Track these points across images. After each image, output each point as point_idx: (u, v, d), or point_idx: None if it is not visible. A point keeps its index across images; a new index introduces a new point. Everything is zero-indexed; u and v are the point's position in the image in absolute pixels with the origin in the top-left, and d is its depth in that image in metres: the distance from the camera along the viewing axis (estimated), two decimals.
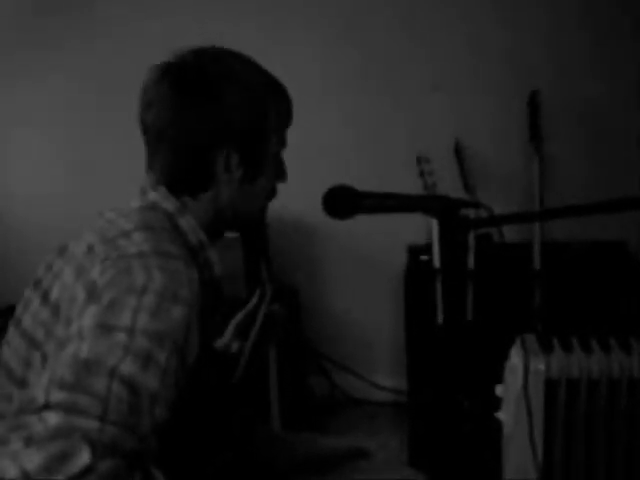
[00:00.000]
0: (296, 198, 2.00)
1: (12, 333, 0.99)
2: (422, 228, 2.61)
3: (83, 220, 1.06)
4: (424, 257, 2.51)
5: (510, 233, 2.44)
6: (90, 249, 0.94)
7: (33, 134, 2.91)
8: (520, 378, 1.50)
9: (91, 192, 2.77)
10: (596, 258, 2.50)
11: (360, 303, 2.86)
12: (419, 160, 2.51)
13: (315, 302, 2.86)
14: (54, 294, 0.94)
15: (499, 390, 1.74)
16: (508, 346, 1.73)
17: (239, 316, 1.33)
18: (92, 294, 0.86)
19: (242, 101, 1.03)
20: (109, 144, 2.79)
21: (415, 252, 2.57)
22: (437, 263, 2.41)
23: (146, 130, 1.06)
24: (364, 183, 1.12)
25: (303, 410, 2.67)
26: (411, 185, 2.49)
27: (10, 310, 1.03)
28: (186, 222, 1.04)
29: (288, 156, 1.15)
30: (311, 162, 2.51)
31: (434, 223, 2.40)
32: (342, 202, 1.08)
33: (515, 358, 1.68)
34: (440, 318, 2.32)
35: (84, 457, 0.72)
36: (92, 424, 0.75)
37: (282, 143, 1.12)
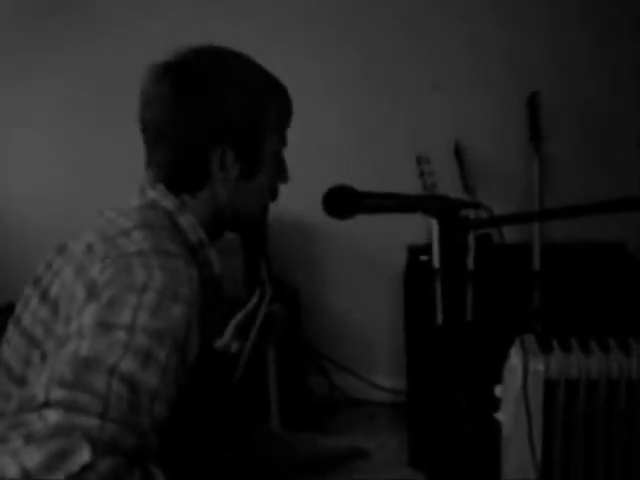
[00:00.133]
0: (296, 198, 1.99)
1: (11, 332, 0.99)
2: (422, 228, 2.61)
3: (83, 220, 1.06)
4: (424, 257, 2.51)
5: (510, 234, 2.42)
6: (90, 248, 0.94)
7: (33, 134, 2.91)
8: (519, 378, 1.50)
9: (91, 192, 2.77)
10: (595, 259, 2.50)
11: (360, 303, 2.86)
12: (419, 160, 2.51)
13: (315, 302, 2.86)
14: (54, 292, 0.94)
15: (498, 390, 1.74)
16: (507, 346, 1.73)
17: (239, 316, 1.33)
18: (92, 292, 0.87)
19: (239, 100, 1.04)
20: (109, 144, 2.80)
21: (415, 252, 2.57)
22: (437, 263, 2.41)
23: (145, 128, 1.06)
24: (364, 183, 1.12)
25: (302, 410, 2.67)
26: (411, 185, 2.49)
27: (10, 308, 1.03)
28: (186, 220, 1.04)
29: (288, 156, 1.15)
30: (311, 162, 2.51)
31: (434, 223, 2.40)
32: (342, 202, 1.08)
33: (514, 358, 1.68)
34: (439, 318, 2.32)
35: (84, 455, 0.72)
36: (92, 422, 0.75)
37: (282, 142, 1.12)
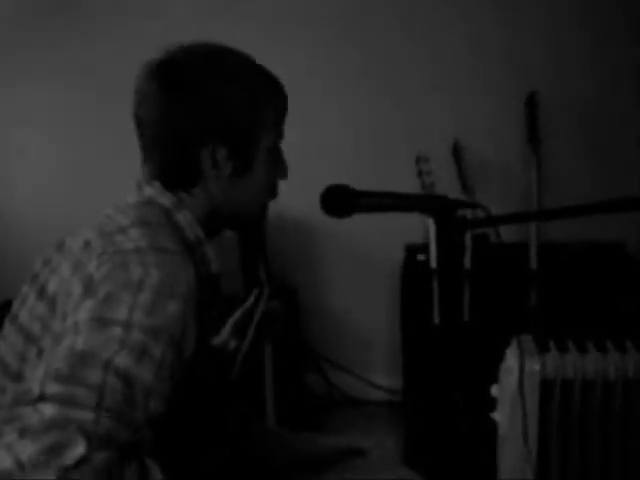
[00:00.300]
0: (295, 197, 2.00)
1: (8, 328, 0.99)
2: (419, 227, 2.61)
3: (82, 219, 1.06)
4: (421, 257, 2.51)
5: (507, 233, 2.44)
6: (87, 244, 0.95)
7: (33, 134, 2.91)
8: (516, 378, 1.51)
9: (91, 192, 2.76)
10: (594, 259, 2.50)
11: (357, 302, 2.87)
12: (418, 160, 2.52)
13: (313, 301, 2.86)
14: (51, 289, 0.95)
15: (495, 390, 1.74)
16: (504, 346, 1.73)
17: (237, 314, 1.34)
18: (88, 288, 0.87)
19: (229, 96, 1.04)
20: (109, 144, 2.79)
21: (412, 251, 2.57)
22: (434, 263, 2.41)
23: (139, 125, 1.07)
24: (363, 182, 1.12)
25: (300, 408, 2.67)
26: (409, 185, 2.50)
27: (7, 306, 1.04)
28: (183, 217, 1.04)
29: (288, 156, 1.15)
30: (311, 162, 2.52)
31: (431, 223, 2.40)
32: (340, 201, 1.08)
33: (511, 358, 1.68)
34: (436, 318, 2.32)
35: (79, 448, 0.73)
36: (87, 416, 0.75)
37: (279, 137, 1.11)
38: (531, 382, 1.61)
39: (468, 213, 1.07)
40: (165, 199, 1.04)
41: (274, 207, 1.18)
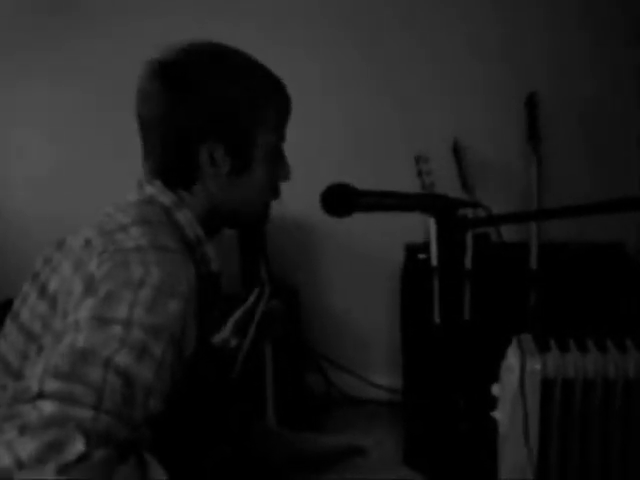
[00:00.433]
0: (295, 197, 1.99)
1: (9, 327, 0.99)
2: (420, 227, 2.62)
3: (82, 219, 1.07)
4: (422, 256, 2.51)
5: (508, 233, 2.44)
6: (88, 242, 0.95)
7: (33, 134, 2.92)
8: (516, 377, 1.51)
9: (91, 192, 2.76)
10: (594, 259, 2.50)
11: (357, 301, 2.87)
12: (418, 159, 2.52)
13: (313, 300, 2.87)
14: (52, 287, 0.95)
15: (495, 389, 1.74)
16: (505, 346, 1.73)
17: (237, 313, 1.34)
18: (89, 287, 0.87)
19: (229, 95, 1.04)
20: (109, 144, 2.80)
21: (413, 251, 2.57)
22: (434, 262, 2.41)
23: (141, 124, 1.07)
24: (363, 182, 1.12)
25: (300, 407, 2.67)
26: (409, 184, 2.50)
27: (8, 305, 1.04)
28: (183, 216, 1.05)
29: (288, 155, 1.15)
30: (311, 161, 2.51)
31: (432, 222, 2.40)
32: (340, 200, 1.08)
33: (511, 358, 1.68)
34: (437, 317, 2.32)
35: (78, 446, 0.73)
36: (86, 413, 0.75)
37: (281, 139, 1.12)
38: (532, 381, 1.61)
39: (469, 212, 1.07)
40: (165, 198, 1.05)
41: (274, 207, 1.18)
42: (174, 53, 1.05)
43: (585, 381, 1.64)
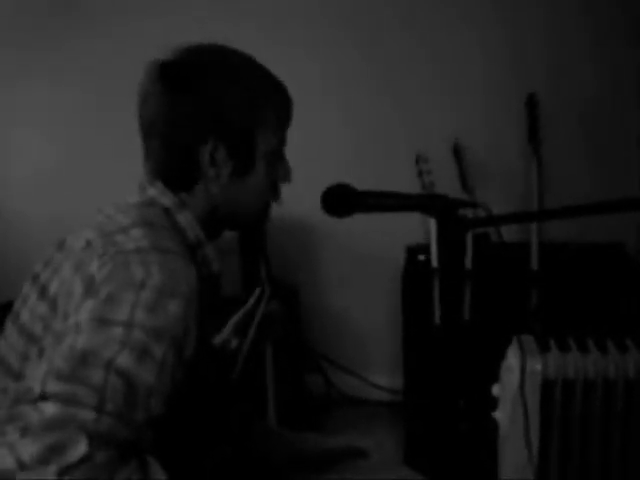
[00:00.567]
0: (295, 198, 1.99)
1: (10, 328, 0.99)
2: (420, 228, 2.62)
3: (83, 219, 1.06)
4: (422, 257, 2.51)
5: (508, 233, 2.44)
6: (88, 244, 0.95)
7: (33, 134, 2.91)
8: (517, 378, 1.50)
9: (91, 192, 2.76)
10: (594, 259, 2.50)
11: (358, 302, 2.87)
12: (418, 159, 2.52)
13: (314, 301, 2.87)
14: (53, 289, 0.94)
15: (495, 390, 1.74)
16: (505, 346, 1.73)
17: (238, 315, 1.34)
18: (90, 288, 0.87)
19: (229, 95, 1.04)
20: (109, 144, 2.80)
21: (413, 252, 2.57)
22: (435, 263, 2.41)
23: (142, 124, 1.07)
24: (363, 182, 1.12)
25: (300, 408, 2.67)
26: (410, 184, 2.50)
27: (8, 307, 1.03)
28: (184, 218, 1.04)
29: (288, 156, 1.15)
30: (311, 162, 2.51)
31: (432, 222, 2.40)
32: (340, 201, 1.08)
33: (512, 358, 1.68)
34: (437, 317, 2.33)
35: (81, 447, 0.73)
36: (88, 415, 0.76)
37: (281, 142, 1.12)
38: (532, 382, 1.61)
39: (469, 212, 1.06)
40: (166, 199, 1.05)
41: (275, 207, 1.18)
42: (174, 54, 1.05)
43: (585, 381, 1.63)
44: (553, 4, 2.57)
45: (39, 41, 2.82)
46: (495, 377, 1.75)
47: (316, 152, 2.66)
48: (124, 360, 0.80)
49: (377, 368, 2.88)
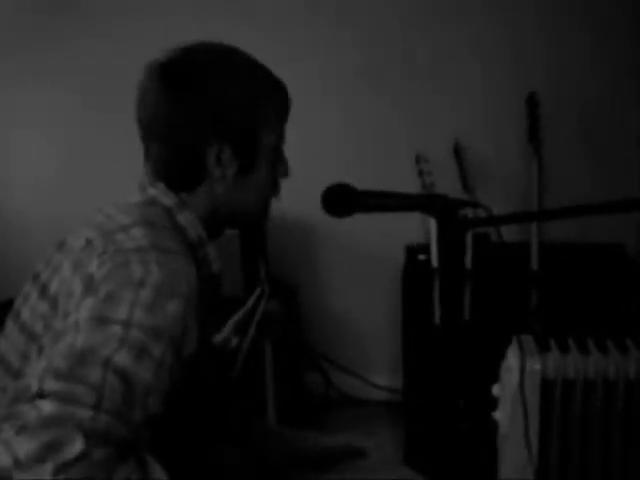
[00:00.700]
0: (295, 197, 1.99)
1: (10, 327, 0.99)
2: (420, 228, 2.62)
3: (82, 219, 1.07)
4: (422, 256, 2.51)
5: (508, 233, 2.44)
6: (88, 243, 0.95)
7: (33, 134, 2.92)
8: (516, 378, 1.50)
9: (91, 192, 2.76)
10: (594, 259, 2.50)
11: (358, 302, 2.87)
12: (418, 159, 2.52)
13: (313, 301, 2.87)
14: (53, 288, 0.94)
15: (495, 390, 1.74)
16: (505, 346, 1.73)
17: (238, 314, 1.34)
18: (89, 287, 0.87)
19: (230, 95, 1.04)
20: (109, 144, 2.80)
21: (413, 251, 2.57)
22: (435, 262, 2.41)
23: (140, 125, 1.07)
24: (363, 182, 1.12)
25: (299, 407, 2.67)
26: (410, 184, 2.50)
27: (9, 305, 1.03)
28: (185, 218, 1.05)
29: (288, 156, 1.15)
30: (311, 162, 2.51)
31: (432, 222, 2.40)
32: (341, 200, 1.08)
33: (512, 358, 1.68)
34: (437, 317, 2.33)
35: (77, 445, 0.73)
36: (86, 413, 0.75)
37: (281, 137, 1.12)
38: (532, 382, 1.61)
39: (469, 212, 1.06)
40: (167, 199, 1.05)
41: (274, 207, 1.19)
42: (174, 53, 1.05)
43: (585, 382, 1.63)
44: (553, 4, 2.57)
45: (39, 41, 2.82)
46: (495, 377, 1.75)
47: (316, 152, 2.66)
48: (122, 359, 0.80)
49: (377, 368, 2.88)
